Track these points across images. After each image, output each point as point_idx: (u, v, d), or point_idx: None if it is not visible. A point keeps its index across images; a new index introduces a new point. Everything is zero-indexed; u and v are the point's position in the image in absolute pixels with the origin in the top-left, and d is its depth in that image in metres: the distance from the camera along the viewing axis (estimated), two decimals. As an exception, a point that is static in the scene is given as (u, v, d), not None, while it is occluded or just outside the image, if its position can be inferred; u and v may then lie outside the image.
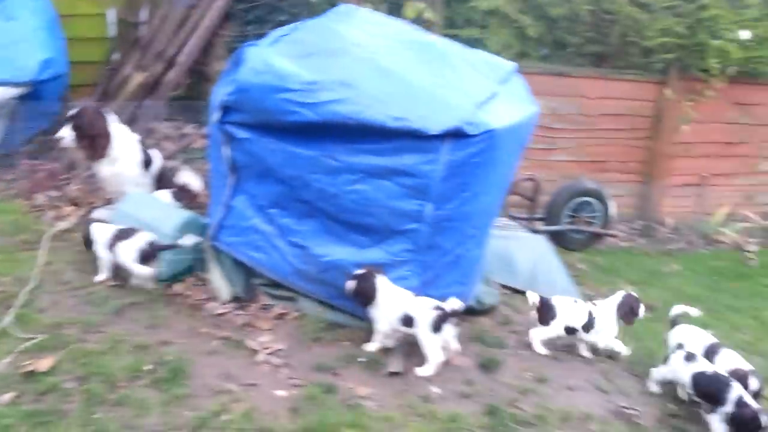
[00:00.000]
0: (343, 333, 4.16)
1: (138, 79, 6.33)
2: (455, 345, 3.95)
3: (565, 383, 4.01)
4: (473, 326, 4.47)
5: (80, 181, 5.52)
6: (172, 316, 4.12)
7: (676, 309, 4.38)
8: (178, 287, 4.43)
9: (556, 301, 4.34)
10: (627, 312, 4.29)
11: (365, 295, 3.89)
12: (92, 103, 5.41)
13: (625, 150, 8.47)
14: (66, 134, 4.96)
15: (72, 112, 4.98)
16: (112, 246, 4.31)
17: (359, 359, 3.91)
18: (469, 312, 4.53)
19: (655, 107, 8.36)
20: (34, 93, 5.91)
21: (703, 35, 7.92)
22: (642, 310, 4.35)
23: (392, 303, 3.87)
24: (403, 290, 3.93)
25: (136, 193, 4.94)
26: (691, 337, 4.19)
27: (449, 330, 3.85)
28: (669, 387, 4.12)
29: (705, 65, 7.95)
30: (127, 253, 4.25)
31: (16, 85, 5.76)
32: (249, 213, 4.29)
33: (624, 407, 3.80)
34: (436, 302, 3.86)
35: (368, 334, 4.07)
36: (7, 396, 3.19)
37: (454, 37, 7.68)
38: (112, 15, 6.83)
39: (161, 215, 4.56)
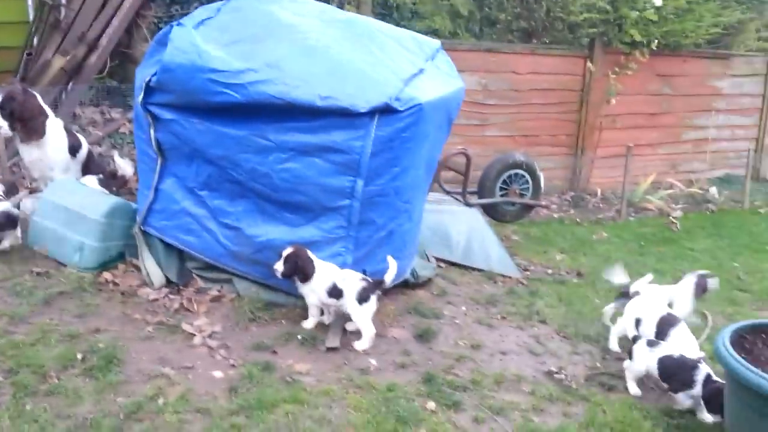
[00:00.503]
0: (280, 312, 4.17)
1: (59, 63, 6.12)
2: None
3: (499, 348, 4.13)
4: (410, 299, 4.55)
5: (3, 170, 5.33)
6: (103, 303, 4.06)
7: (637, 284, 4.37)
8: (108, 275, 4.36)
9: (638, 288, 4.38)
10: (701, 290, 4.47)
11: (305, 272, 3.89)
12: (17, 84, 5.19)
13: (555, 124, 8.68)
14: (1, 123, 4.77)
15: None
16: None
17: (297, 336, 3.93)
18: (405, 285, 4.61)
19: (583, 81, 8.58)
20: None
21: (624, 10, 8.15)
22: (713, 284, 4.54)
23: (320, 277, 3.91)
24: (329, 264, 3.98)
25: (62, 180, 4.82)
26: (647, 309, 4.11)
27: (375, 301, 3.92)
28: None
29: (627, 38, 8.19)
30: None
31: (-73, 72, 5.52)
32: (179, 196, 4.25)
33: (553, 372, 3.92)
34: (361, 275, 3.93)
35: (305, 312, 4.09)
36: (-67, 391, 3.11)
37: (386, 12, 7.78)
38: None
39: (89, 202, 4.46)
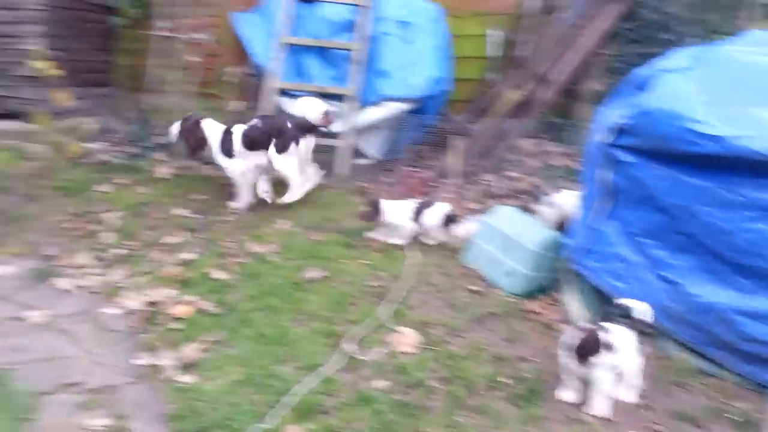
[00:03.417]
0: (709, 382, 3.75)
1: (513, 96, 6.55)
2: None
3: None
4: None
5: (450, 189, 5.90)
6: (527, 332, 4.15)
7: None
8: (531, 304, 4.46)
9: None
10: None
11: (591, 350, 3.41)
12: None
13: None
14: None
15: None
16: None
17: (727, 414, 3.49)
18: None
19: None
20: (418, 107, 6.53)
21: None
22: None
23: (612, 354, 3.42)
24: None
25: (503, 207, 5.11)
26: None
27: None
28: None
29: None
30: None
31: (408, 101, 6.42)
32: (617, 240, 4.12)
33: None
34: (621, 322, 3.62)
35: (739, 389, 3.63)
36: (382, 384, 3.52)
37: None
38: (491, 35, 7.21)
39: (526, 231, 4.64)
